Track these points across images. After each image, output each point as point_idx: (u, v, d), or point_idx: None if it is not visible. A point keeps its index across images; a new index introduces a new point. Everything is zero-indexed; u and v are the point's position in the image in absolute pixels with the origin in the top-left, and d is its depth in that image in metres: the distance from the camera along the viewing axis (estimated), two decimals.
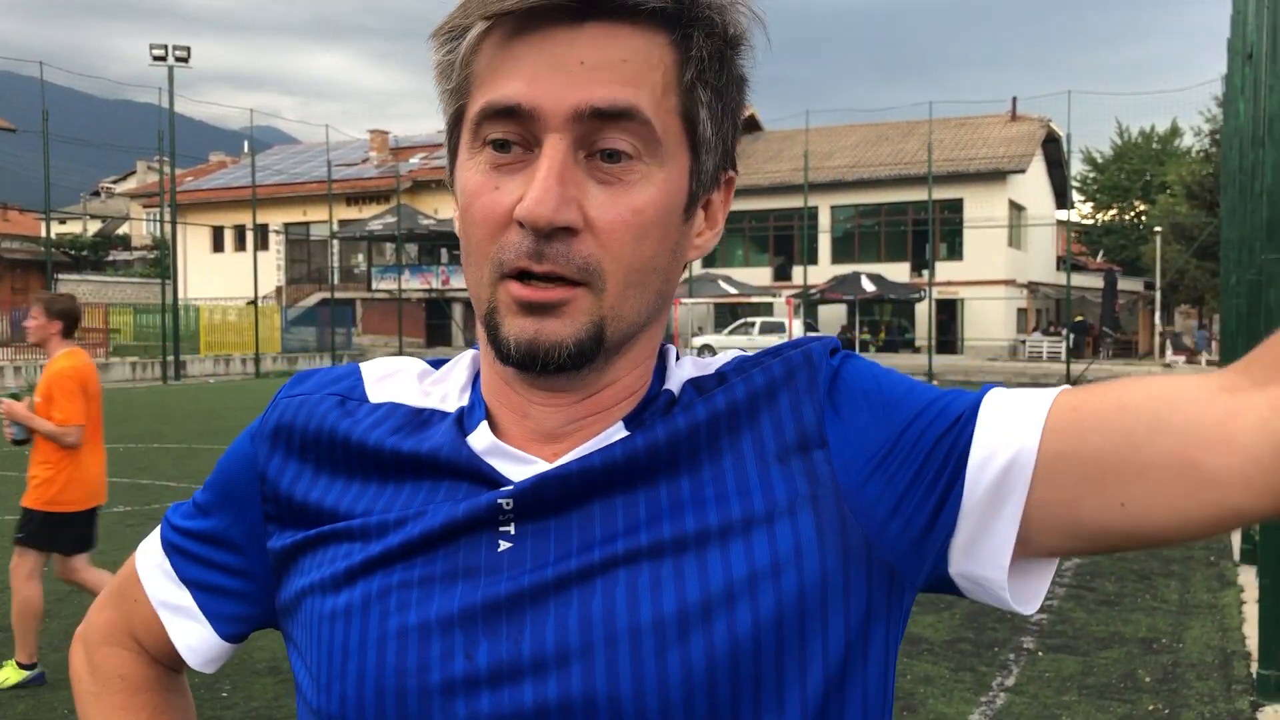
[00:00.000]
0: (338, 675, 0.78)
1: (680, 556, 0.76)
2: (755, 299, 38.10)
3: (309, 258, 50.42)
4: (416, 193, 47.85)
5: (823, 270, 40.42)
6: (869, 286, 38.26)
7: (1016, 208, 42.33)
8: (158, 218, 45.79)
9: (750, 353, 0.87)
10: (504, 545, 0.78)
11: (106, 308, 33.50)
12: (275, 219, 47.13)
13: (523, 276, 0.75)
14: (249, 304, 36.39)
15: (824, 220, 41.83)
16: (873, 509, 0.78)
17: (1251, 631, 6.00)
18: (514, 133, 0.75)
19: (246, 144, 45.66)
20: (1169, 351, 39.27)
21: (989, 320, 39.21)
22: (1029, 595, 0.79)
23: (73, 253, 53.45)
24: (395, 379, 0.90)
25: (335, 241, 44.67)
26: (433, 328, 45.04)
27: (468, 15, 0.76)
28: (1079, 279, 40.85)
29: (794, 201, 39.67)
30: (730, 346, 35.10)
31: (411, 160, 50.23)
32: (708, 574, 0.75)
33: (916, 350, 38.33)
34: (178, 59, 31.55)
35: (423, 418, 0.86)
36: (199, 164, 55.79)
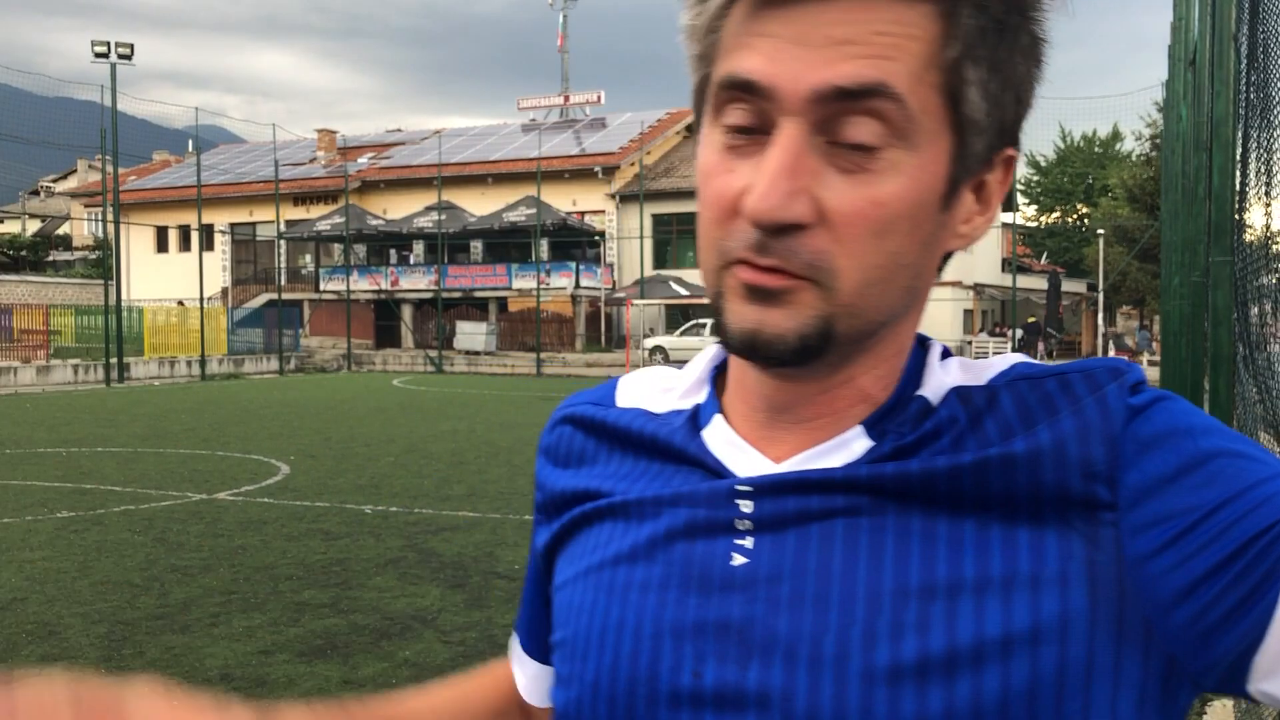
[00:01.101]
0: (577, 672, 0.78)
1: (927, 604, 0.68)
2: (706, 300, 37.94)
3: (255, 258, 49.78)
4: (365, 193, 47.41)
5: None
6: None
7: None
8: (100, 217, 44.88)
9: (1029, 360, 0.77)
10: (739, 559, 0.73)
11: (47, 309, 32.81)
12: (221, 219, 46.47)
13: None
14: (178, 304, 35.85)
15: None
16: (1158, 586, 0.66)
17: None
18: (751, 111, 0.68)
19: (191, 143, 44.98)
20: (1111, 352, 39.94)
21: (937, 322, 39.66)
22: None
23: (11, 253, 52.32)
24: (641, 386, 0.90)
25: (282, 242, 44.13)
26: (381, 329, 44.64)
27: None
28: (1024, 281, 41.43)
29: None
30: (682, 348, 35.43)
31: (360, 160, 49.76)
32: (956, 627, 0.67)
33: None
34: (120, 56, 30.99)
35: (660, 419, 0.85)
36: (142, 163, 54.78)
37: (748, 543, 0.74)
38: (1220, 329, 4.93)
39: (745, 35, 0.68)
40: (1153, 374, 29.27)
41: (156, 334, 33.45)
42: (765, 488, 0.74)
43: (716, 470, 0.77)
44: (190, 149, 51.42)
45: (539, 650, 0.92)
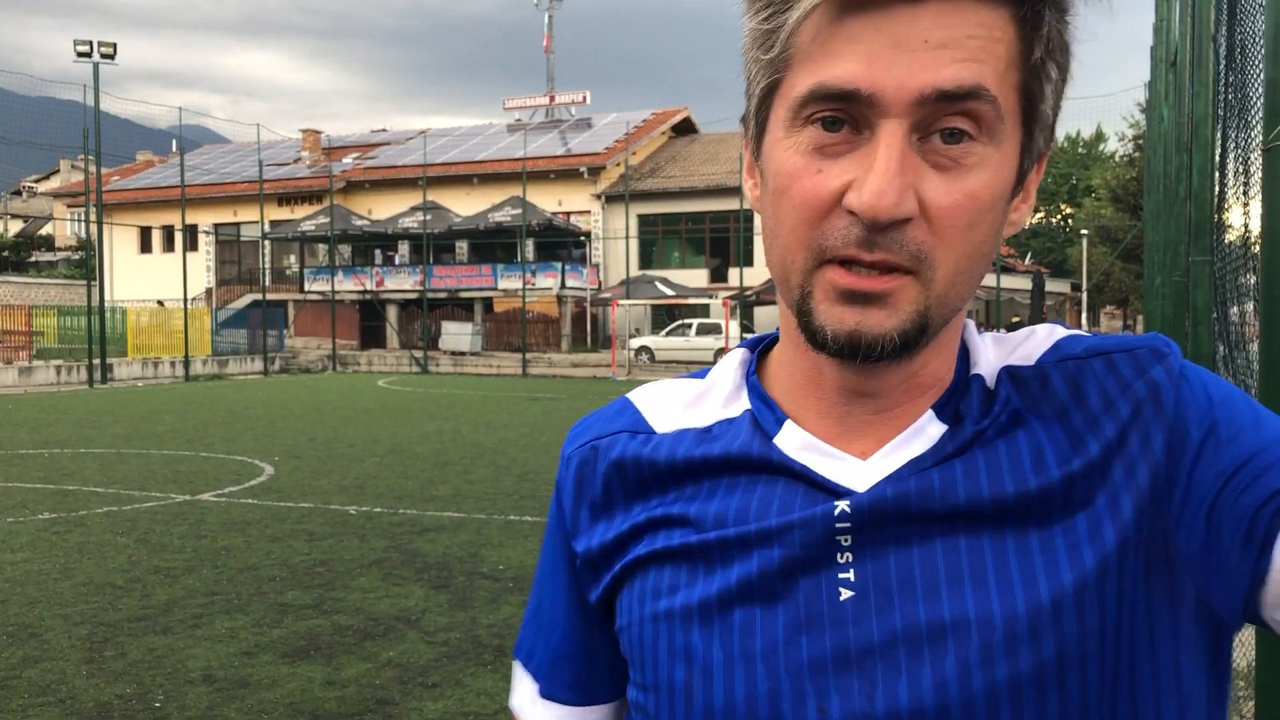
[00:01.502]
0: (682, 713, 0.77)
1: (1036, 618, 0.72)
2: (692, 300, 38.20)
3: (240, 259, 49.59)
4: (350, 193, 47.28)
5: (759, 272, 40.60)
6: None
7: None
8: (83, 217, 44.67)
9: (1066, 334, 0.82)
10: (845, 594, 0.74)
11: (29, 310, 32.61)
12: (205, 219, 46.29)
13: (846, 264, 0.71)
14: (158, 304, 35.69)
15: (760, 222, 42.05)
16: (1194, 544, 0.73)
17: None
18: (844, 113, 0.70)
19: (175, 143, 44.77)
20: None
21: None
22: None
23: None
24: (670, 403, 0.88)
25: (267, 242, 43.95)
26: (367, 329, 44.51)
27: None
28: (1008, 280, 41.55)
29: (730, 204, 39.89)
30: (668, 348, 35.45)
31: (345, 160, 49.62)
32: (1064, 633, 0.72)
33: None
34: (103, 55, 30.83)
35: (712, 434, 0.84)
36: (126, 163, 54.53)
37: (851, 575, 0.75)
38: (1200, 329, 4.96)
39: (832, 41, 0.70)
40: None
41: (140, 335, 33.29)
42: (864, 518, 0.75)
43: (804, 476, 0.78)
44: (174, 149, 51.20)
45: (580, 695, 0.91)
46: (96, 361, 29.09)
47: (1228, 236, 4.25)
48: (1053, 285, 47.06)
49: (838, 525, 0.75)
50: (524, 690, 0.94)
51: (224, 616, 6.29)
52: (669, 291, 38.72)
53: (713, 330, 34.82)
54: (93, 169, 32.64)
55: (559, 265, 40.99)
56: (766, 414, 0.82)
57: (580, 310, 42.30)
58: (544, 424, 17.94)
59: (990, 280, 39.73)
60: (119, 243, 48.04)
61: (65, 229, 60.09)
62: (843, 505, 0.75)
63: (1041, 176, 0.81)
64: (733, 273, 39.85)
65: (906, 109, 0.69)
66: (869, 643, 0.73)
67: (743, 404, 0.85)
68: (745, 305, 36.96)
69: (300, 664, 5.45)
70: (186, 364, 32.67)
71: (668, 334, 36.72)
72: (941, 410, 0.78)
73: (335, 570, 7.41)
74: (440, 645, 5.77)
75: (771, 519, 0.77)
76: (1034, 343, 0.82)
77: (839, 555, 0.75)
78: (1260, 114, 2.25)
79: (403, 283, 43.05)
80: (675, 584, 0.80)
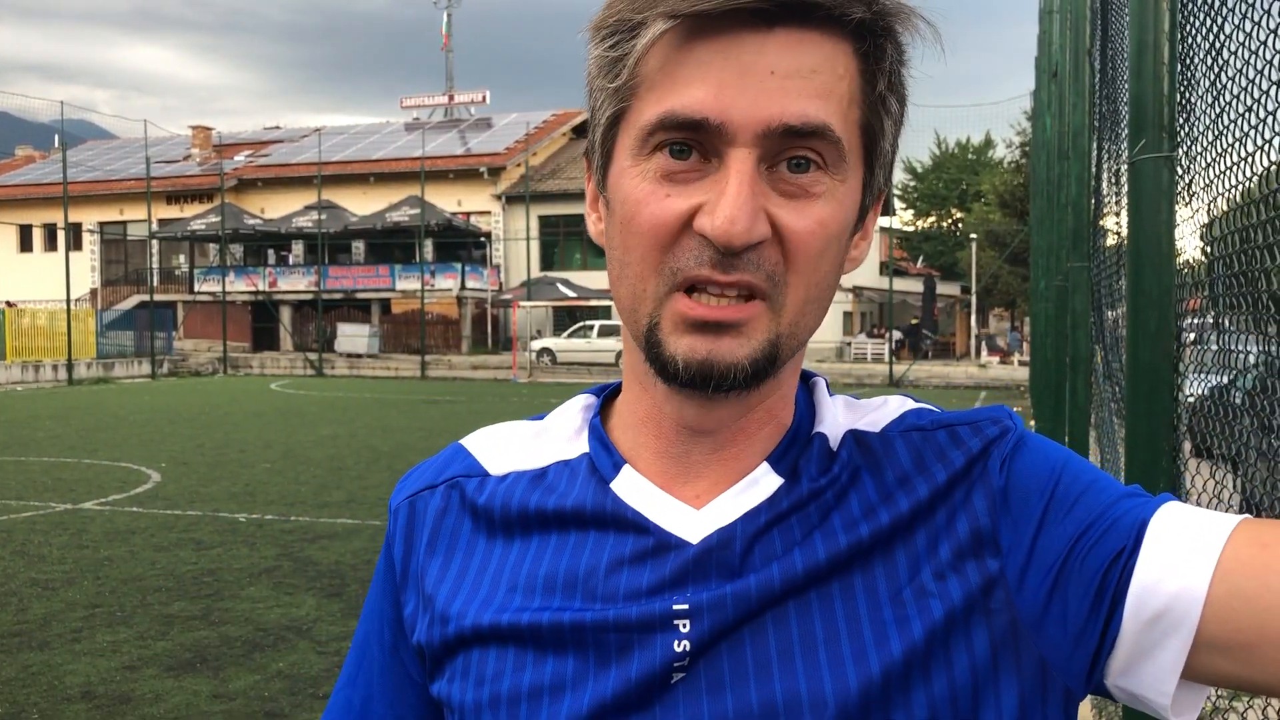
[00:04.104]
0: None
1: (868, 696, 0.71)
2: (594, 302, 38.20)
3: (126, 258, 48.05)
4: (242, 191, 46.17)
5: None
6: None
7: None
8: None
9: (915, 406, 0.83)
10: (678, 677, 0.73)
11: None
12: (89, 218, 44.74)
13: (694, 289, 0.71)
14: (7, 305, 34.42)
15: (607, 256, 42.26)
16: (1045, 628, 0.73)
17: None
18: (692, 140, 0.70)
19: (57, 138, 43.22)
20: (984, 352, 41.23)
21: None
22: (1190, 706, 0.72)
23: None
24: (506, 447, 0.86)
25: (154, 242, 42.66)
26: (259, 331, 43.51)
27: (639, 11, 0.70)
28: (901, 283, 42.52)
29: None
30: (569, 349, 35.39)
31: (236, 158, 48.46)
32: (911, 701, 0.71)
33: None
34: None
35: (547, 479, 0.82)
36: (4, 158, 52.42)
37: (684, 664, 0.73)
38: (1079, 332, 5.14)
39: (680, 69, 0.70)
40: (1022, 374, 30.34)
41: (20, 337, 32.00)
42: (705, 622, 0.73)
43: (638, 525, 0.77)
44: (56, 144, 49.35)
45: None
46: None
47: (1104, 243, 4.40)
48: (943, 288, 48.29)
49: (676, 618, 0.74)
50: None
51: (105, 630, 6.08)
52: (571, 293, 38.67)
53: (614, 332, 34.85)
54: None
55: (459, 266, 40.63)
56: (604, 458, 0.81)
57: (481, 312, 41.99)
58: (443, 427, 17.75)
59: (883, 283, 40.57)
60: None
61: None
62: (681, 624, 0.74)
63: (878, 217, 0.82)
64: None
65: (754, 139, 0.69)
66: None
67: (581, 445, 0.84)
68: None
69: (186, 677, 5.30)
70: (70, 367, 31.52)
71: (569, 336, 36.67)
72: (778, 463, 0.78)
73: (224, 580, 7.22)
74: (333, 655, 5.67)
75: (610, 607, 0.75)
76: (884, 412, 0.82)
77: (676, 644, 0.73)
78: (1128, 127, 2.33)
79: (297, 283, 42.20)
80: (502, 670, 0.77)
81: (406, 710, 0.87)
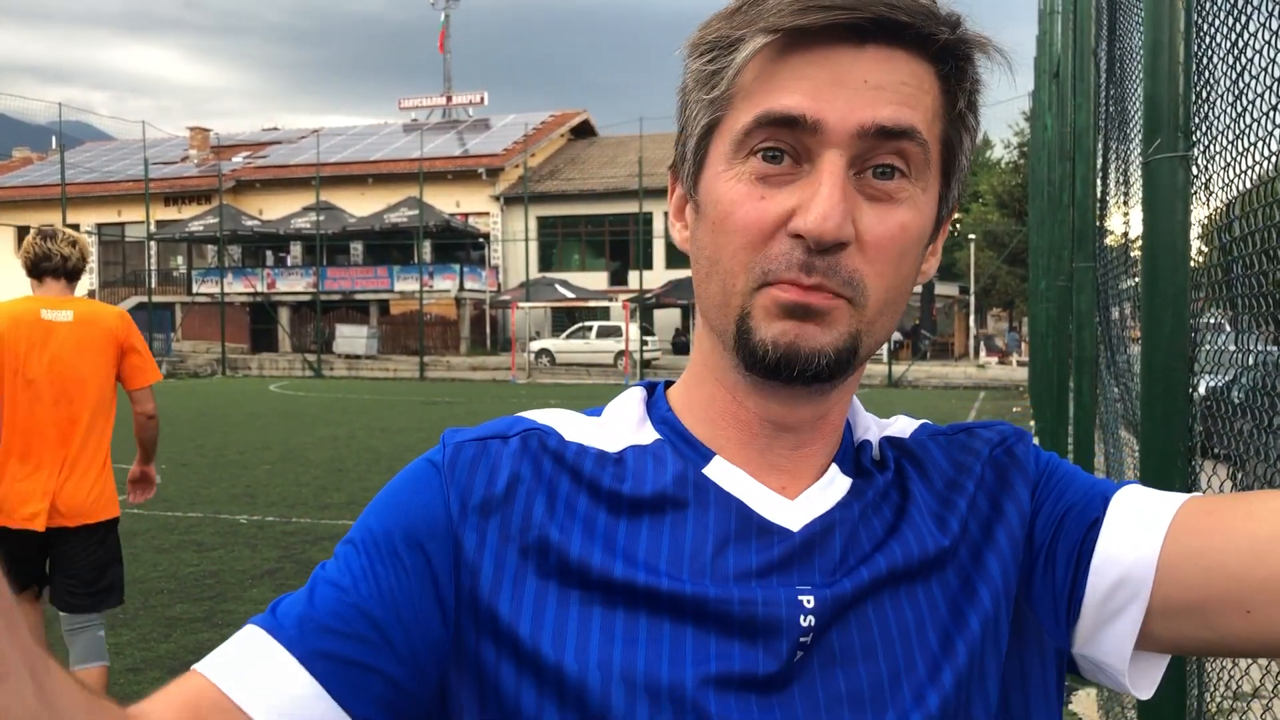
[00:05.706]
0: None
1: (946, 662, 0.79)
2: (592, 303, 38.23)
3: (124, 260, 48.06)
4: (240, 193, 46.18)
5: (658, 275, 40.86)
6: None
7: None
8: None
9: (924, 420, 0.91)
10: (799, 655, 0.77)
11: None
12: (87, 219, 44.70)
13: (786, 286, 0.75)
14: None
15: (658, 225, 42.30)
16: (1044, 603, 0.82)
17: None
18: (786, 144, 0.74)
19: (54, 139, 43.18)
20: (983, 353, 41.27)
21: None
22: (1147, 681, 0.80)
23: None
24: (570, 422, 0.86)
25: (152, 243, 42.64)
26: (258, 333, 43.50)
27: (738, 27, 0.74)
28: None
29: (629, 207, 39.97)
30: (568, 350, 35.39)
31: (234, 159, 48.46)
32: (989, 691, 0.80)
33: None
34: None
35: (626, 462, 0.82)
36: (2, 160, 52.41)
37: (809, 639, 0.76)
38: (1084, 331, 5.13)
39: (776, 78, 0.74)
40: (1021, 375, 30.34)
41: None
42: (825, 595, 0.77)
43: (740, 509, 0.80)
44: (54, 146, 49.35)
45: (342, 690, 0.76)
46: None
47: (1109, 242, 4.40)
48: (941, 289, 48.28)
49: (801, 612, 0.76)
50: (263, 650, 0.78)
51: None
52: (569, 294, 38.70)
53: (613, 333, 34.88)
54: None
55: (457, 267, 40.64)
56: (689, 446, 0.83)
57: (479, 313, 42.00)
58: (442, 428, 17.44)
59: None
60: None
61: None
62: (806, 601, 0.77)
63: (946, 235, 0.86)
64: (632, 275, 39.97)
65: (847, 141, 0.73)
66: (815, 701, 0.76)
67: (650, 434, 0.84)
68: (645, 308, 37.14)
69: None
70: None
71: (568, 336, 36.68)
72: (842, 463, 0.84)
73: (226, 582, 7.21)
74: None
75: (728, 586, 0.77)
76: (902, 424, 0.91)
77: (802, 619, 0.77)
78: (1139, 127, 2.33)
79: (295, 284, 42.20)
80: (603, 629, 0.76)
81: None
